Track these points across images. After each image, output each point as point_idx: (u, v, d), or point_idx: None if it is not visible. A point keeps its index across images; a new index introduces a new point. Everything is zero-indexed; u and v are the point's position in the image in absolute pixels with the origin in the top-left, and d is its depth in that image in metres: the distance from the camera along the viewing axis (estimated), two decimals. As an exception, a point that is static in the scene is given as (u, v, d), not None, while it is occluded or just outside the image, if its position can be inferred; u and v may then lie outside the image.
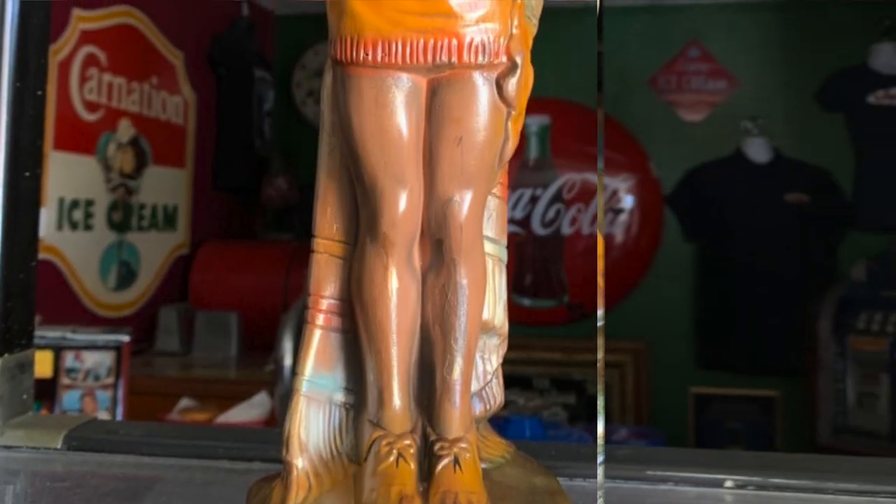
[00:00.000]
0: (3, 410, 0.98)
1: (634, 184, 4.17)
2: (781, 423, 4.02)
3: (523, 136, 3.81)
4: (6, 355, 0.99)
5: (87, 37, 3.08)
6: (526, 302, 4.15)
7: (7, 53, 0.96)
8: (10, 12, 0.97)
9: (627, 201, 4.17)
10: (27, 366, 1.04)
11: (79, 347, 2.03)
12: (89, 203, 3.16)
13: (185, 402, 2.69)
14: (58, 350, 2.01)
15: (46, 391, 1.98)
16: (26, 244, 1.03)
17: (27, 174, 1.00)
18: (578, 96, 4.20)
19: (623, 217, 4.17)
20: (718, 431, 4.05)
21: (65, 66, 2.99)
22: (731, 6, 4.22)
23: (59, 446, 0.95)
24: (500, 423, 2.07)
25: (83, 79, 3.07)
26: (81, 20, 3.05)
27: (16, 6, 0.97)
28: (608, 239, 4.17)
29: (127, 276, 3.43)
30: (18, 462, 0.94)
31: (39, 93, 1.01)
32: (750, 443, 3.99)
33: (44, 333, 1.97)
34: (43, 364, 1.97)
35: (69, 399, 2.01)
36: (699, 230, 4.14)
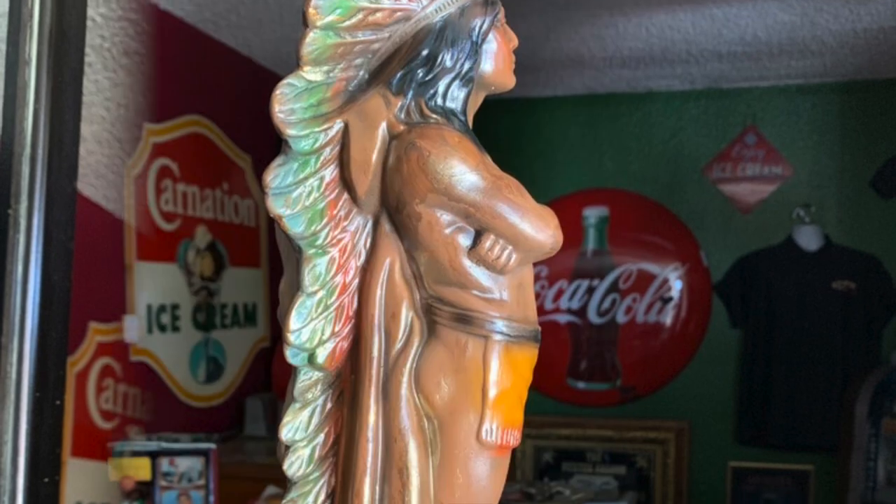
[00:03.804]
0: None
1: (684, 272, 4.23)
2: (814, 496, 4.13)
3: (582, 228, 3.87)
4: None
5: (158, 149, 3.21)
6: (581, 385, 4.22)
7: (27, 364, 1.02)
8: (30, 325, 1.03)
9: (677, 290, 4.23)
10: None
11: (172, 454, 2.21)
12: (175, 307, 3.33)
13: (270, 490, 2.77)
14: (154, 457, 2.18)
15: (147, 492, 2.20)
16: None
17: (46, 480, 1.05)
18: (636, 186, 4.28)
19: (672, 305, 4.23)
20: (754, 502, 4.19)
21: (141, 179, 3.12)
22: (791, 88, 4.23)
23: None
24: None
25: (159, 190, 3.21)
26: (152, 134, 3.18)
27: (35, 319, 1.03)
28: (657, 326, 4.24)
29: (215, 371, 3.62)
30: None
31: (58, 402, 1.06)
32: (784, 514, 4.13)
33: (143, 443, 2.25)
34: (142, 469, 2.22)
35: (167, 499, 2.21)
36: (746, 317, 4.19)
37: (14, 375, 1.01)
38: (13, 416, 1.00)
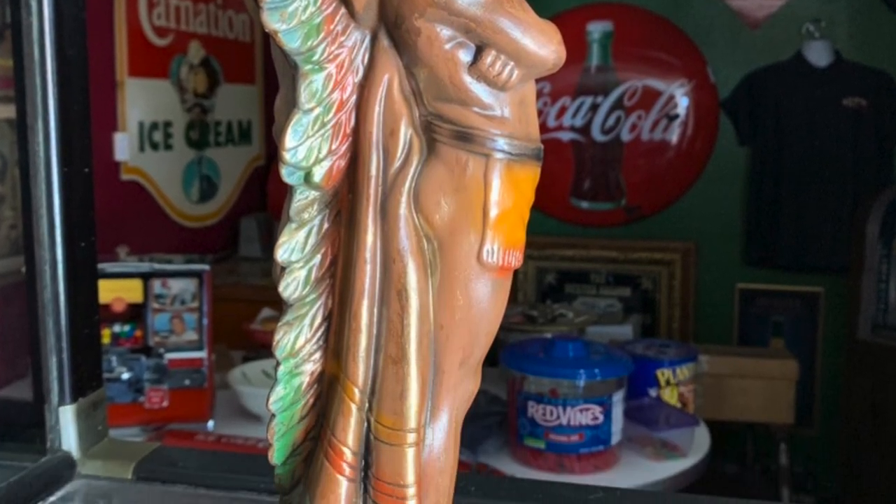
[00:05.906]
0: (82, 444, 1.10)
1: (691, 89, 4.15)
2: (824, 318, 4.15)
3: (585, 44, 3.80)
4: (80, 399, 1.10)
5: (151, -39, 3.12)
6: (584, 205, 4.21)
7: (53, 141, 1.05)
8: (52, 103, 1.04)
9: (683, 106, 4.17)
10: (99, 403, 1.16)
11: (165, 275, 2.20)
12: (167, 124, 3.29)
13: (266, 313, 2.78)
14: (146, 278, 2.17)
15: (139, 314, 2.16)
16: (88, 304, 1.12)
17: (83, 244, 1.10)
18: (641, 0, 4.16)
19: (678, 122, 4.18)
20: (762, 325, 4.22)
21: (133, -8, 3.05)
22: None
23: (129, 477, 1.06)
24: (544, 343, 2.14)
25: (151, 4, 3.13)
26: (144, -55, 3.09)
27: (56, 97, 1.04)
28: (663, 144, 4.19)
29: (208, 190, 3.61)
30: (97, 490, 1.07)
31: (87, 170, 1.10)
32: (792, 336, 4.16)
33: (134, 264, 2.19)
34: (133, 291, 2.16)
35: (160, 321, 2.18)
36: (754, 134, 4.13)
37: (42, 153, 1.05)
38: (45, 191, 1.05)
